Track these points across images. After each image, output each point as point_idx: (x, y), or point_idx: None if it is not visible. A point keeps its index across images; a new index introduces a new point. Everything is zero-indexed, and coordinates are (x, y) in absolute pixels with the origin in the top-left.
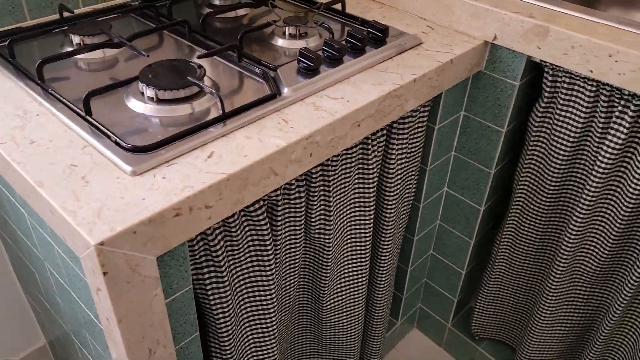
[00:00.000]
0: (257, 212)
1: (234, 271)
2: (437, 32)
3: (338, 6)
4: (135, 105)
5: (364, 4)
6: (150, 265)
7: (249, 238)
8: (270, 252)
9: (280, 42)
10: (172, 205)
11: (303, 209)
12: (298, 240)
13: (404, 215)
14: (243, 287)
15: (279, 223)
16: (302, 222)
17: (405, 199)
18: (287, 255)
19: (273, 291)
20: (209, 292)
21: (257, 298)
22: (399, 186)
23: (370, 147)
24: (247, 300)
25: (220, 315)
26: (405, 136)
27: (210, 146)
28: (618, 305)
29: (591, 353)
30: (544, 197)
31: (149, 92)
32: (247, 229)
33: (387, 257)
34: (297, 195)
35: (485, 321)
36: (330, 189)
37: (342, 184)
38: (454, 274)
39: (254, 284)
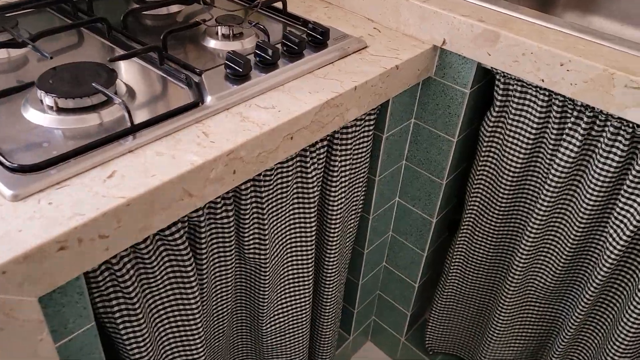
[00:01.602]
0: (174, 235)
1: (150, 301)
2: (384, 35)
3: (279, 5)
4: (32, 115)
5: (308, 3)
6: (31, 308)
7: (167, 264)
8: (192, 277)
9: (212, 43)
10: (55, 237)
11: (232, 229)
12: (229, 263)
13: (351, 228)
14: (163, 317)
15: (204, 245)
16: (233, 242)
17: (353, 211)
18: (217, 279)
19: (198, 320)
20: (120, 327)
21: (181, 328)
22: (343, 199)
23: (309, 159)
24: (168, 331)
25: (136, 351)
26: (349, 146)
27: (112, 164)
28: (574, 320)
29: None
30: (496, 208)
31: (48, 100)
32: (164, 254)
33: (332, 273)
34: (224, 214)
35: (439, 335)
36: (264, 205)
37: (279, 199)
38: (407, 287)
39: (176, 313)
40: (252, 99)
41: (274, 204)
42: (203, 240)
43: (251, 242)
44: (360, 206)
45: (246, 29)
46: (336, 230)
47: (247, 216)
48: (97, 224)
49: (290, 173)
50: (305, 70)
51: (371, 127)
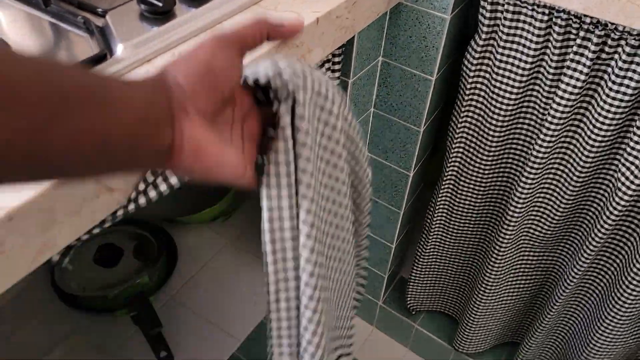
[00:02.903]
0: None
1: None
2: None
3: None
4: None
5: None
6: None
7: None
8: None
9: None
10: None
11: None
12: None
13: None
14: None
15: None
16: None
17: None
18: None
19: None
20: None
21: None
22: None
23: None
24: None
25: None
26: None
27: None
28: (574, 274)
29: (543, 322)
30: (484, 153)
31: None
32: None
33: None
34: None
35: (422, 293)
36: None
37: None
38: (383, 248)
39: None
40: (181, 44)
41: None
42: None
43: None
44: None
45: None
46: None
47: None
48: None
49: None
50: (249, 2)
51: (337, 72)
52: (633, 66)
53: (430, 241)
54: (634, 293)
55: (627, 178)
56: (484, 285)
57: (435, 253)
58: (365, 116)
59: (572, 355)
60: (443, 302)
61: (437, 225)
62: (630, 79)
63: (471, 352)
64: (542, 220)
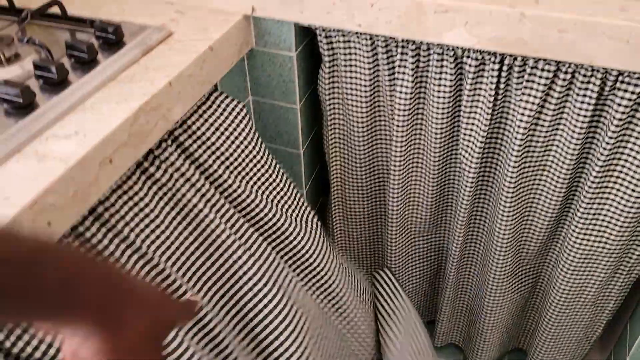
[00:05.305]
0: None
1: None
2: (188, 16)
3: (57, 9)
4: None
5: (93, 1)
6: None
7: None
8: None
9: None
10: None
11: None
12: None
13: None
14: None
15: None
16: None
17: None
18: None
19: None
20: None
21: None
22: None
23: (155, 167)
24: None
25: None
26: (201, 136)
27: None
28: (453, 253)
29: (445, 295)
30: (357, 162)
31: None
32: None
33: None
34: None
35: None
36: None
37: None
38: None
39: None
40: (47, 130)
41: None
42: None
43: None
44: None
45: (22, 48)
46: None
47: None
48: None
49: (137, 190)
50: (106, 78)
51: (228, 103)
52: (444, 69)
53: (337, 246)
54: (502, 253)
55: (465, 164)
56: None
57: (345, 254)
58: None
59: (476, 321)
60: None
61: (338, 230)
62: (446, 79)
63: None
64: (419, 207)
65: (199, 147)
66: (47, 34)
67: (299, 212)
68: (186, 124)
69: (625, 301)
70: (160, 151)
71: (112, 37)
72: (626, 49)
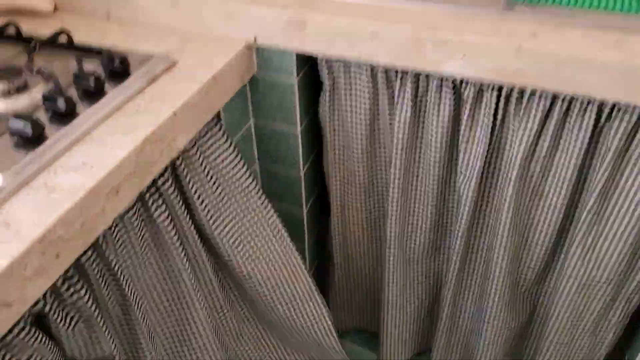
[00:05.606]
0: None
1: None
2: (192, 45)
3: (64, 39)
4: None
5: (99, 28)
6: None
7: None
8: None
9: None
10: None
11: (90, 303)
12: (102, 339)
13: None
14: None
15: (63, 333)
16: (98, 317)
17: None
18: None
19: None
20: None
21: None
22: (217, 221)
23: (151, 201)
24: None
25: None
26: (199, 169)
27: None
28: (450, 279)
29: (440, 320)
30: (357, 185)
31: None
32: None
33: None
34: (75, 296)
35: (344, 315)
36: (115, 267)
37: (132, 254)
38: None
39: None
40: (55, 162)
41: (128, 259)
42: (62, 329)
43: (117, 304)
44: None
45: (31, 78)
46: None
47: (101, 286)
48: None
49: (134, 224)
50: (112, 109)
51: (221, 137)
52: (443, 99)
53: (336, 267)
54: (500, 282)
55: (462, 191)
56: (386, 299)
57: (344, 277)
58: (253, 170)
59: (472, 351)
60: (363, 319)
61: (338, 252)
62: (443, 109)
63: None
64: (418, 232)
65: (192, 182)
66: (54, 62)
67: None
68: (187, 154)
69: (625, 334)
70: (154, 190)
71: (119, 68)
72: (621, 82)
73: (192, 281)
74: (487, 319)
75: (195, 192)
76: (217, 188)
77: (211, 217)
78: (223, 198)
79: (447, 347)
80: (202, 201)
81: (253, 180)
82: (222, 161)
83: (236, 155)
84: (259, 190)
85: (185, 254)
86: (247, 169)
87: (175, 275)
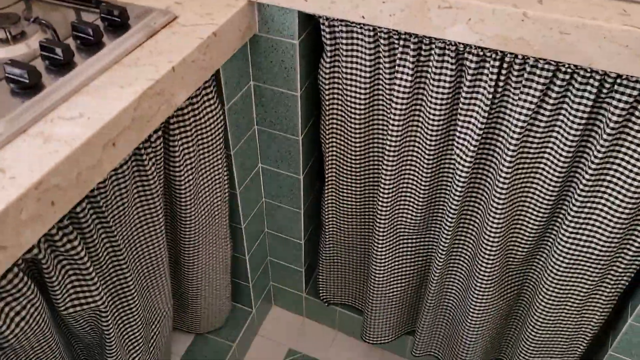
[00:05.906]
0: (13, 282)
1: None
2: (192, 0)
3: None
4: None
5: None
6: None
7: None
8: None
9: None
10: None
11: (82, 253)
12: (93, 289)
13: (219, 210)
14: None
15: (55, 282)
16: (89, 268)
17: (217, 191)
18: (74, 315)
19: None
20: None
21: None
22: (191, 186)
23: (145, 155)
24: None
25: None
26: (190, 129)
27: None
28: (440, 252)
29: (427, 304)
30: (353, 152)
31: None
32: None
33: (195, 266)
34: (68, 245)
35: (332, 286)
36: (108, 219)
37: (121, 207)
38: (294, 246)
39: None
40: (52, 111)
41: (118, 213)
42: (54, 278)
43: (107, 259)
44: (225, 184)
45: (28, 27)
46: (191, 220)
47: (92, 237)
48: None
49: (127, 177)
50: (110, 61)
51: (212, 101)
52: (445, 64)
53: (328, 235)
54: (491, 258)
55: (458, 162)
56: (373, 275)
57: (334, 247)
58: (251, 133)
59: (458, 330)
60: (351, 294)
61: (329, 221)
62: (445, 74)
63: (377, 343)
64: (411, 205)
65: (178, 143)
66: (52, 12)
67: None
68: (180, 112)
69: (610, 318)
70: (148, 144)
71: (118, 19)
72: (625, 53)
73: (163, 236)
74: (476, 296)
75: (182, 152)
76: (200, 150)
77: (185, 178)
78: (200, 163)
79: (431, 326)
80: (184, 162)
81: (225, 163)
82: (209, 125)
83: (222, 123)
84: (227, 176)
85: (161, 209)
86: (223, 143)
87: (155, 229)
